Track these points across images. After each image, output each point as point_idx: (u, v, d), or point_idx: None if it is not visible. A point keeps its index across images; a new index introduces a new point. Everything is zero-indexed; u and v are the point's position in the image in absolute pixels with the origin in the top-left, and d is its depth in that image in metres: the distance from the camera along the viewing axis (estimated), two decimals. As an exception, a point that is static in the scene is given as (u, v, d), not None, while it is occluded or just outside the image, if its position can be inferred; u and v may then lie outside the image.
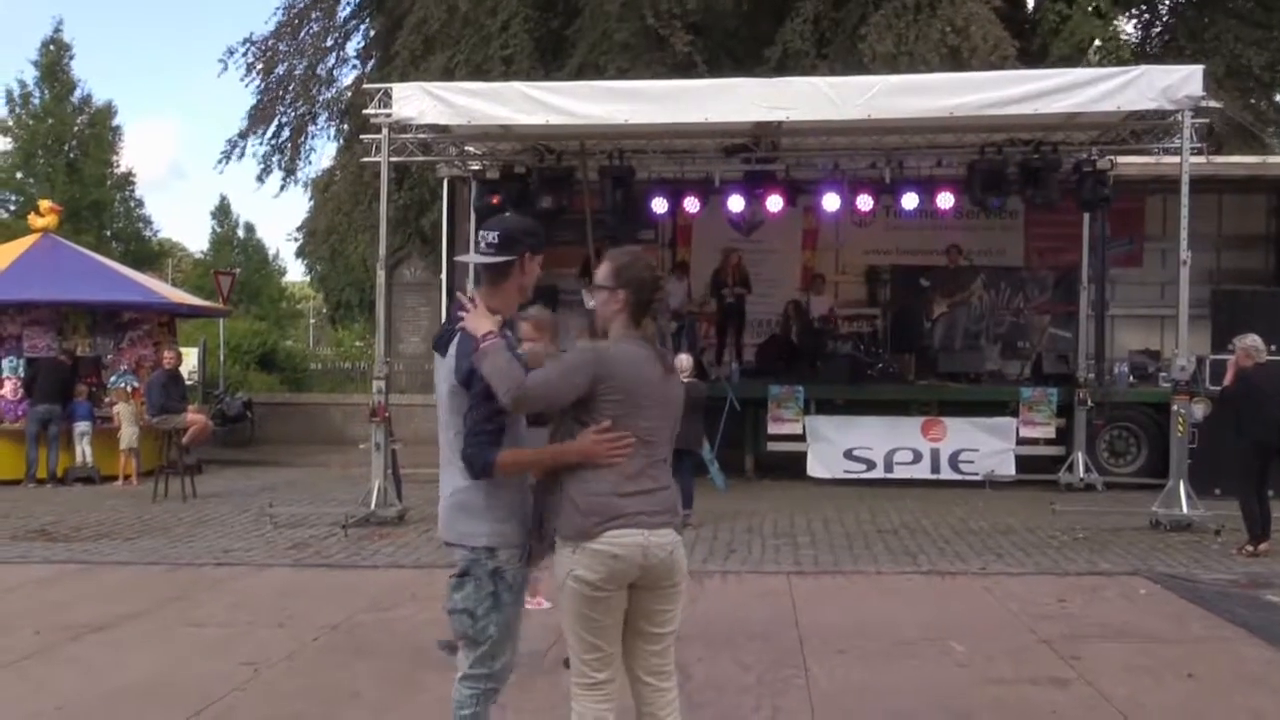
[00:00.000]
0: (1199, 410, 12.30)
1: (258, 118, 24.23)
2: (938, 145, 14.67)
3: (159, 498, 13.85)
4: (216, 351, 23.81)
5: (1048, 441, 15.21)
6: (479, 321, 3.93)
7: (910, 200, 15.56)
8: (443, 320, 16.82)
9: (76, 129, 42.98)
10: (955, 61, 16.98)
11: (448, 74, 17.25)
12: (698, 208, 16.34)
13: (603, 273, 4.06)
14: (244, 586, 9.12)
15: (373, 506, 12.09)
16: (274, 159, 24.82)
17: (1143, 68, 12.70)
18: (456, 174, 16.49)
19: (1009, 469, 14.88)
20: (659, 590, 3.98)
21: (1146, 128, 13.25)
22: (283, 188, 26.00)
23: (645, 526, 3.90)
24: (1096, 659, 6.86)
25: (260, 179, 25.09)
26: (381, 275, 13.12)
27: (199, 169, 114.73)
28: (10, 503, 13.81)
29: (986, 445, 14.97)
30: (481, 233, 4.16)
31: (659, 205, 16.15)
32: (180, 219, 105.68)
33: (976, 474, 14.81)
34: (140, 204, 49.15)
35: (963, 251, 17.33)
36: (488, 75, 17.86)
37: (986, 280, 18.17)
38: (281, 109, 24.51)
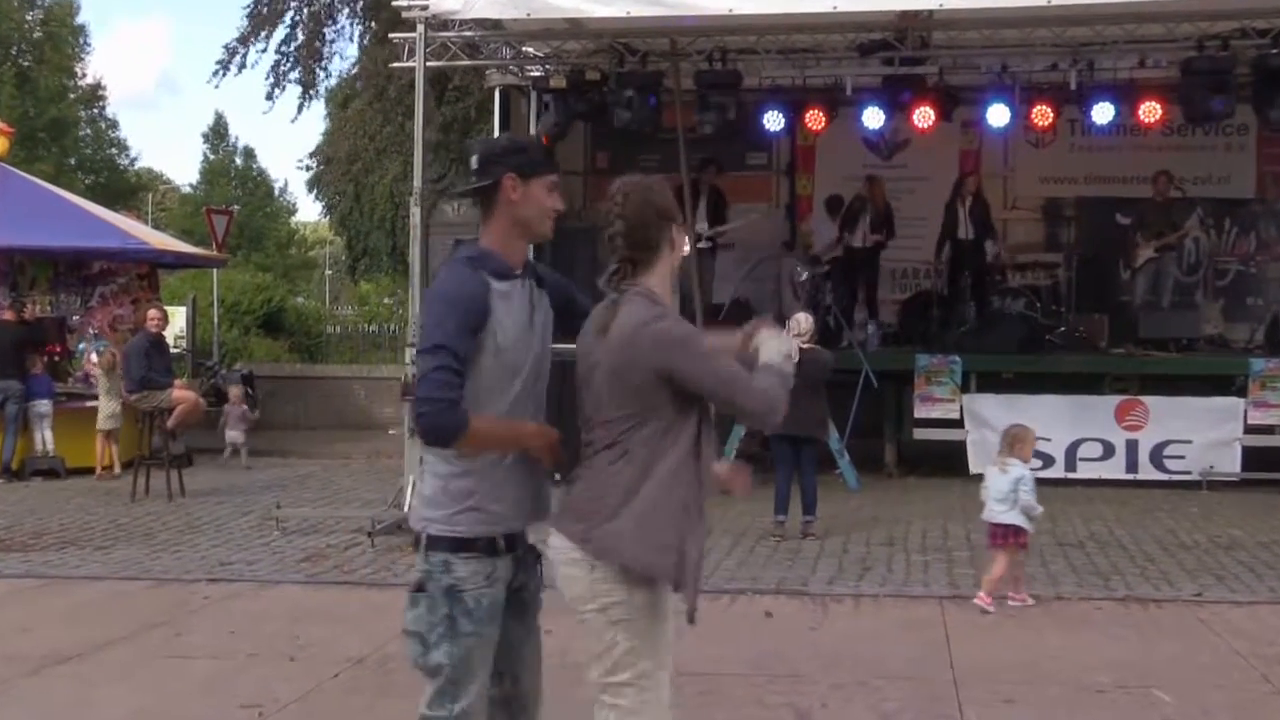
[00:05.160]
0: None
1: (261, 17, 24.39)
2: (1141, 39, 14.40)
3: (139, 496, 14.11)
4: (209, 311, 24.16)
5: (1287, 430, 14.95)
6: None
7: (1104, 112, 15.33)
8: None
9: (27, 29, 43.62)
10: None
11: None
12: (823, 124, 16.23)
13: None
14: (245, 608, 9.28)
15: (406, 508, 12.21)
16: (285, 70, 24.95)
17: None
18: (512, 83, 16.54)
19: (1233, 465, 14.64)
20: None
21: None
22: (301, 108, 26.13)
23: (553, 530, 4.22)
24: (1349, 715, 6.74)
25: (270, 97, 25.24)
26: (416, 213, 13.22)
27: (196, 81, 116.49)
28: (-46, 501, 14.17)
29: (1203, 435, 14.73)
30: (468, 158, 4.40)
31: (773, 121, 16.06)
32: (168, 143, 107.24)
33: (1189, 472, 14.60)
34: (114, 125, 50.07)
35: (1174, 179, 17.01)
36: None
37: (1205, 216, 17.84)
38: (293, 4, 24.65)
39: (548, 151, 4.31)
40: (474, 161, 4.29)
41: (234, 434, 17.64)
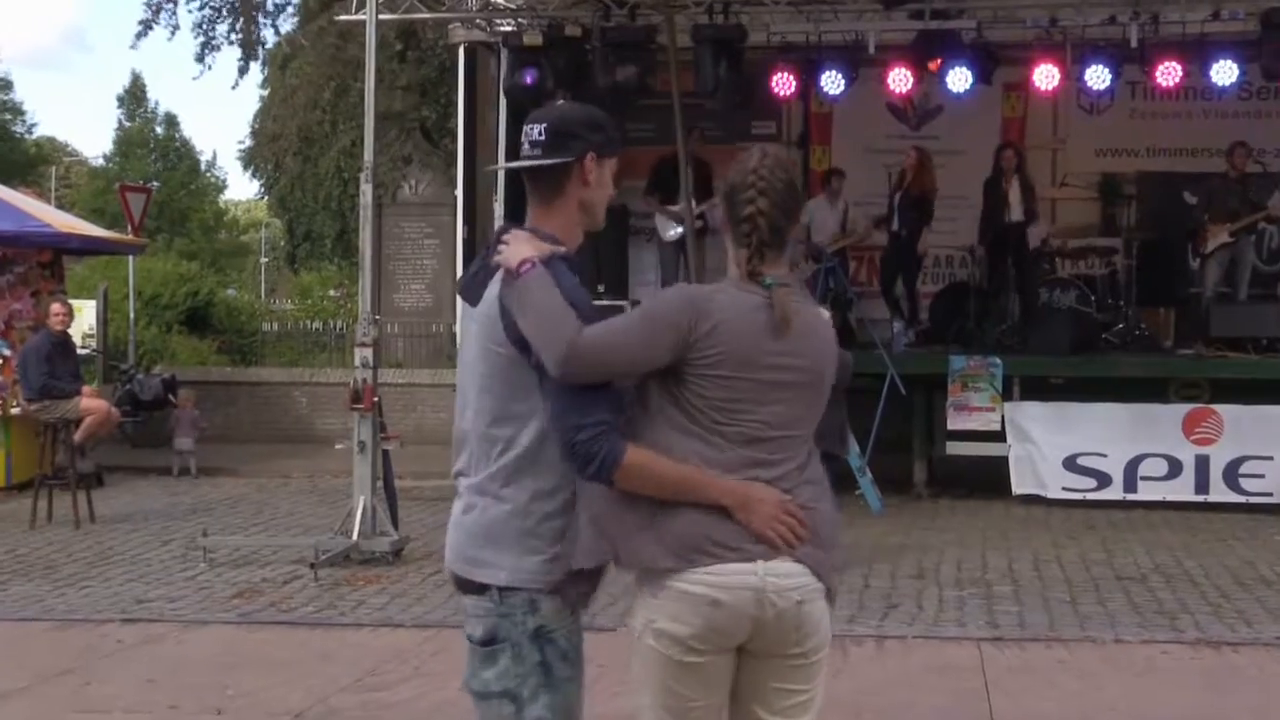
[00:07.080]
0: None
1: None
2: (1213, -13, 14.46)
3: (39, 522, 14.06)
4: (123, 306, 24.10)
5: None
6: (517, 248, 3.99)
7: (1170, 74, 15.34)
8: (460, 255, 16.70)
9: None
10: None
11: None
12: (841, 87, 16.20)
13: None
14: (165, 654, 9.25)
15: (355, 536, 12.19)
16: (217, 29, 24.88)
17: None
18: (480, 39, 16.52)
19: (1321, 486, 14.67)
20: (781, 661, 3.98)
21: None
22: (242, 72, 26.02)
23: (761, 559, 3.89)
24: None
25: (201, 59, 25.19)
26: (368, 192, 13.17)
27: (109, 36, 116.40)
28: None
29: (1286, 450, 14.77)
30: (526, 127, 4.27)
31: (783, 84, 16.06)
32: (75, 108, 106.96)
33: (1270, 494, 14.59)
34: (7, 86, 49.92)
35: (1252, 151, 17.00)
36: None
37: (1289, 195, 17.88)
38: None
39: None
40: (541, 132, 4.19)
41: (184, 441, 17.80)
